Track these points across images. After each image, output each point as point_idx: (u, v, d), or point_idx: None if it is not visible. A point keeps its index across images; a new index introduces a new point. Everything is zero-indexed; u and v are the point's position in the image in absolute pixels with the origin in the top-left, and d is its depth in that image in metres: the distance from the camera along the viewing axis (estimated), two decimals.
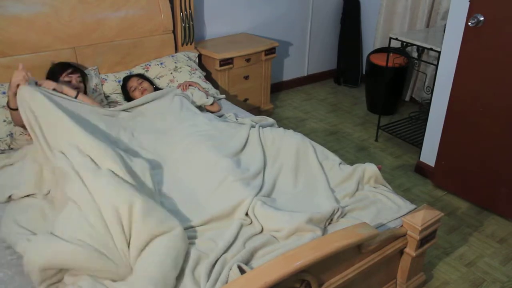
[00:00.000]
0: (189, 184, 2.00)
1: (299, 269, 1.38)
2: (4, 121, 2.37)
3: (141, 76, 2.81)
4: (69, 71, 2.48)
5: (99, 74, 2.85)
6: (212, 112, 2.71)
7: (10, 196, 1.93)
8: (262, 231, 1.74)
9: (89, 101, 2.37)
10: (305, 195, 1.97)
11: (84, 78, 2.57)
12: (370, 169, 2.05)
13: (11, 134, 2.35)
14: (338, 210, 1.80)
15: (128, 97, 2.76)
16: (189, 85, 2.84)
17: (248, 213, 1.78)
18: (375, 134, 3.55)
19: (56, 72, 2.47)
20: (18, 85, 2.04)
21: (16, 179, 1.99)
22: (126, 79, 2.79)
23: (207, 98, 2.74)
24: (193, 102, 2.66)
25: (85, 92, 2.54)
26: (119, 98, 2.81)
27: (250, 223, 1.77)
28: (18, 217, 1.78)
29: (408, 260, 1.87)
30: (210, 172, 2.01)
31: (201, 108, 2.71)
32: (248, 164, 2.10)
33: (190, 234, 1.70)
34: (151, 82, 2.83)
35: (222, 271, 1.51)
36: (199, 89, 2.83)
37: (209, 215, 1.78)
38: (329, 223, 1.79)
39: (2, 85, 2.48)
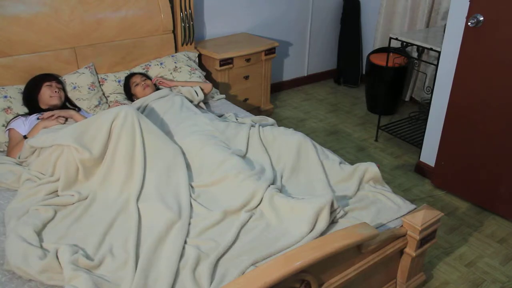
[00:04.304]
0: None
1: (299, 269, 1.38)
2: (3, 125, 2.37)
3: (144, 75, 2.85)
4: (49, 80, 2.47)
5: (97, 73, 2.84)
6: (206, 94, 2.78)
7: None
8: (270, 223, 1.75)
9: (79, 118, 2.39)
10: (305, 194, 1.96)
11: (62, 85, 2.58)
12: (372, 169, 2.05)
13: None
14: (338, 207, 1.80)
15: (129, 94, 2.77)
16: (160, 83, 2.88)
17: (262, 205, 1.80)
18: (375, 134, 3.55)
19: (35, 86, 2.44)
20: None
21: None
22: (130, 76, 2.83)
23: (194, 88, 2.80)
24: (191, 101, 2.68)
25: (66, 98, 2.57)
26: (119, 98, 2.81)
27: (257, 217, 1.78)
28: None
29: (408, 260, 1.87)
30: (215, 170, 2.01)
31: (197, 105, 2.73)
32: (253, 165, 2.10)
33: (191, 233, 1.71)
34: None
35: (223, 271, 1.51)
36: (182, 86, 2.86)
37: (221, 209, 1.79)
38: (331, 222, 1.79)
39: (3, 88, 2.47)
